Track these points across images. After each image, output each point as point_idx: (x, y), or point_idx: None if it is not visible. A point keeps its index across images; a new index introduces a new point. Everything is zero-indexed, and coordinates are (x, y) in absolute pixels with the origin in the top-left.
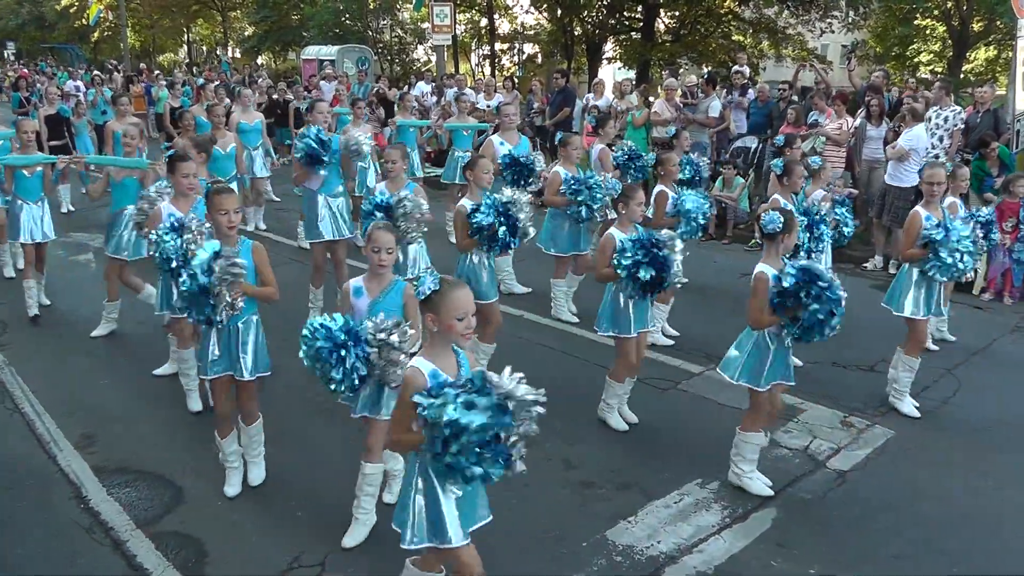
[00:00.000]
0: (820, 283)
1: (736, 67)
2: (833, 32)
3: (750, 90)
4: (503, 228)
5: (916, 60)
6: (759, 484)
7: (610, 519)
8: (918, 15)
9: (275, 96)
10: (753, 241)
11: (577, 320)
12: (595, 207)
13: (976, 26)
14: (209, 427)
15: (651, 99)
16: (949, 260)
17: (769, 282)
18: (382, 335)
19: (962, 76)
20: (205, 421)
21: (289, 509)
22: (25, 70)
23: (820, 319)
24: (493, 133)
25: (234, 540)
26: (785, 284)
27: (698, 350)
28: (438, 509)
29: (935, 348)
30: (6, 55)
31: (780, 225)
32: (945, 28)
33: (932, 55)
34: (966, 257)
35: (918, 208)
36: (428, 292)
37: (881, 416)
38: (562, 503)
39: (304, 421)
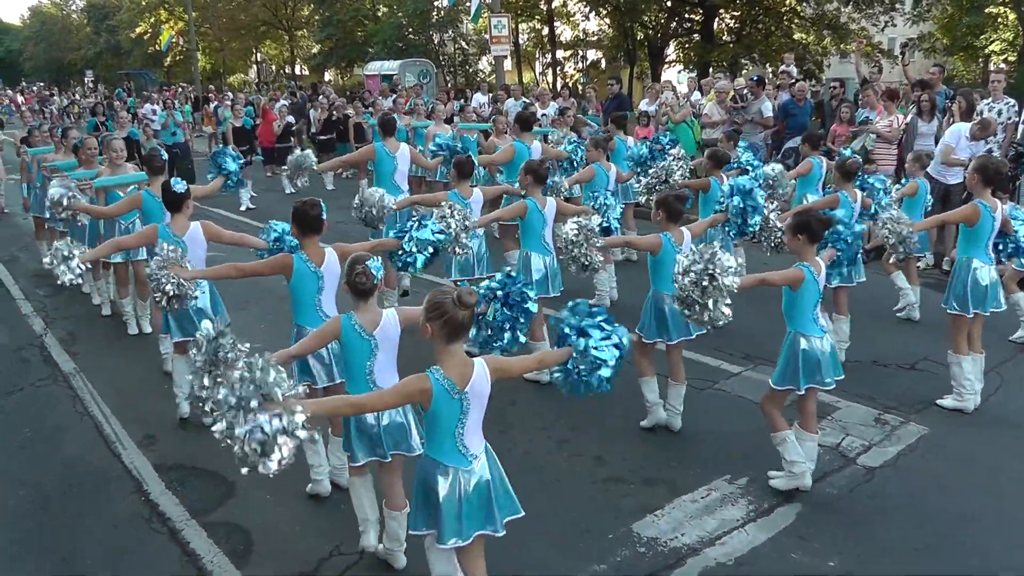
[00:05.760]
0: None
1: (783, 67)
2: (895, 26)
3: (783, 92)
4: None
5: (988, 50)
6: (783, 480)
7: (637, 513)
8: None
9: (334, 116)
10: None
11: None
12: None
13: None
14: None
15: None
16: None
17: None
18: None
19: None
20: None
21: (332, 502)
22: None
23: None
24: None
25: (279, 529)
26: None
27: (739, 351)
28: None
29: None
30: (86, 82)
31: None
32: (1015, 16)
33: (1004, 44)
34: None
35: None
36: None
37: (917, 413)
38: (591, 498)
39: None
